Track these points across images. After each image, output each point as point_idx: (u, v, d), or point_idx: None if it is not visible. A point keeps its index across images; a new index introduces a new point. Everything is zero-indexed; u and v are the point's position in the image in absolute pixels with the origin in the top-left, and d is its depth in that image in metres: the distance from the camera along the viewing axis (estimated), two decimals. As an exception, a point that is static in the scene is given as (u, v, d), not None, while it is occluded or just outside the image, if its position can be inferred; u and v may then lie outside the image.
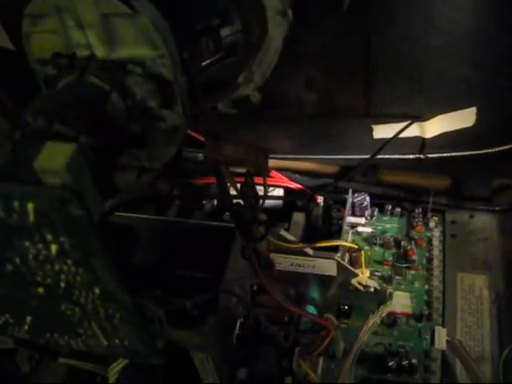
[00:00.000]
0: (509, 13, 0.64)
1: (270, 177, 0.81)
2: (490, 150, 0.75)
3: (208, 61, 0.53)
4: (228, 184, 0.55)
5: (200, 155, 0.83)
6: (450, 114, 0.73)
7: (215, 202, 0.84)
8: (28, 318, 0.44)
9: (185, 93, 0.50)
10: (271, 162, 0.84)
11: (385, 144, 0.74)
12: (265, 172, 0.55)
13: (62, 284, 0.39)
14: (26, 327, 0.45)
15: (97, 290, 0.38)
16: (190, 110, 0.51)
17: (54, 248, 0.35)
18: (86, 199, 0.35)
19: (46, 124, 0.43)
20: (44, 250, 0.36)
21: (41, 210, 0.34)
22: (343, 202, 0.81)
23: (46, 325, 0.45)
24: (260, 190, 0.60)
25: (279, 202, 0.83)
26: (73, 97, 0.46)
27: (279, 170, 0.84)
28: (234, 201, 0.57)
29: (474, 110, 0.72)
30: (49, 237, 0.35)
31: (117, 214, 0.68)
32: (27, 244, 0.36)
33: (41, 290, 0.40)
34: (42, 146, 0.36)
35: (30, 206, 0.34)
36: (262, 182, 0.71)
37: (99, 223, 0.37)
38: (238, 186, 0.57)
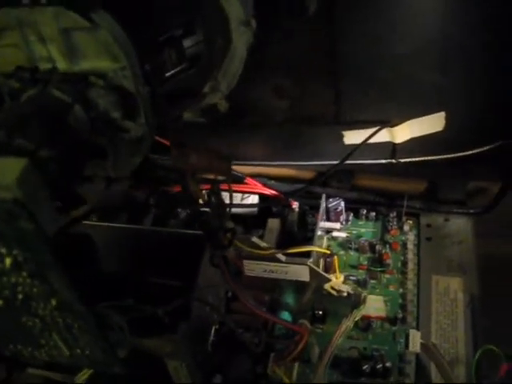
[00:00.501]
0: (474, 16, 0.65)
1: (243, 183, 0.82)
2: (462, 154, 0.76)
3: (171, 72, 0.54)
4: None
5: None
6: (420, 119, 0.73)
7: (190, 209, 0.84)
8: (-10, 330, 0.45)
9: (148, 104, 0.51)
10: (246, 169, 0.84)
11: (353, 150, 0.75)
12: (229, 178, 0.56)
13: (20, 296, 0.39)
14: (-10, 339, 0.46)
15: (53, 302, 0.39)
16: (154, 121, 0.52)
17: (7, 261, 0.36)
18: (40, 213, 0.35)
19: (6, 138, 0.43)
20: (-2, 262, 0.37)
21: (-9, 223, 0.34)
22: (319, 208, 0.81)
23: (8, 336, 0.45)
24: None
25: (254, 208, 0.83)
26: (34, 110, 0.47)
27: (254, 176, 0.84)
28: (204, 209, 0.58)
29: (442, 114, 0.72)
30: (2, 250, 0.36)
31: (89, 223, 0.69)
32: (-18, 257, 0.37)
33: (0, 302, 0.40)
34: (-4, 161, 0.37)
35: (-19, 219, 0.34)
36: (237, 188, 0.72)
37: (55, 236, 0.38)
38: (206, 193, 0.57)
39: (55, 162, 0.45)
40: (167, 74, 0.54)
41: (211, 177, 0.57)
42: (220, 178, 0.58)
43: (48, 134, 0.45)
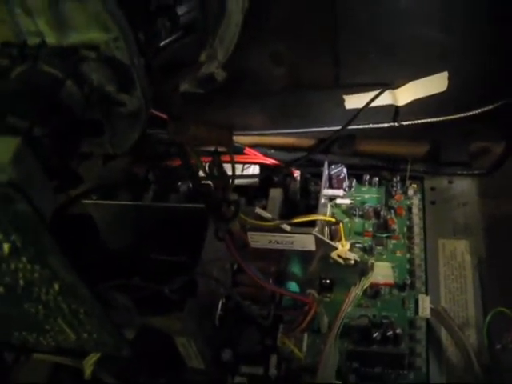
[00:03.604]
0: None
1: (243, 154, 0.80)
2: (465, 114, 0.74)
3: (166, 41, 0.52)
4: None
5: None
6: (422, 79, 0.71)
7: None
8: (-6, 317, 0.43)
9: (143, 75, 0.49)
10: (245, 139, 0.83)
11: (356, 114, 0.73)
12: (229, 149, 0.54)
13: (21, 282, 0.38)
14: (-6, 326, 0.45)
15: (56, 286, 0.37)
16: (150, 93, 0.50)
17: (6, 247, 0.34)
18: (36, 194, 0.33)
19: (-3, 117, 0.42)
20: (-4, 249, 0.35)
21: (-14, 208, 0.33)
22: (321, 175, 0.79)
23: (13, 323, 0.44)
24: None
25: (255, 179, 0.82)
26: (25, 87, 0.45)
27: (255, 146, 0.83)
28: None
29: (445, 74, 0.70)
30: (-1, 236, 0.34)
31: (89, 201, 0.67)
32: (-21, 244, 0.35)
33: (1, 289, 0.39)
34: (-12, 142, 0.35)
35: (-24, 204, 0.33)
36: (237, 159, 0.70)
37: (53, 217, 0.36)
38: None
39: (49, 140, 0.43)
40: (162, 44, 0.52)
41: (211, 149, 0.56)
42: (221, 149, 0.56)
43: (40, 112, 0.43)
